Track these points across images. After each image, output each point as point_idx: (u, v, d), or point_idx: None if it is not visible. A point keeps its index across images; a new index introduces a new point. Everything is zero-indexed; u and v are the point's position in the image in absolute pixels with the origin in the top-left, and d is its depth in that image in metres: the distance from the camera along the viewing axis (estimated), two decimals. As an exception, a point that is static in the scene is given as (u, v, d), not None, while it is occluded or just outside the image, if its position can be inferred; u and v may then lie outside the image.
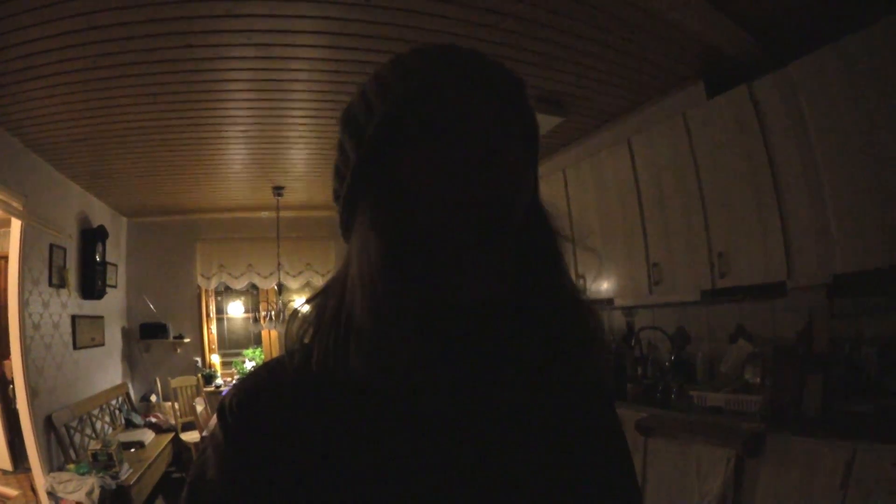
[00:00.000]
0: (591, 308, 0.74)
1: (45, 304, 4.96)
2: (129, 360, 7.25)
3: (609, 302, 4.60)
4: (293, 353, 0.68)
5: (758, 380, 3.19)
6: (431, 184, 0.61)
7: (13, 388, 4.70)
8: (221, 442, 0.63)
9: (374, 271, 0.61)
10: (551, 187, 4.94)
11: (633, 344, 4.41)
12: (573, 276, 0.74)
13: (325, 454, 0.60)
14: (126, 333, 7.26)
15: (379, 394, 0.60)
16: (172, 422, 6.55)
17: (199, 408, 6.28)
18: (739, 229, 3.34)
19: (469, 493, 0.61)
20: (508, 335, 0.66)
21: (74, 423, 4.99)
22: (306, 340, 0.69)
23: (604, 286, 4.47)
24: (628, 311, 4.68)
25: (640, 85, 4.05)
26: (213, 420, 0.68)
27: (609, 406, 0.82)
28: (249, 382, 0.68)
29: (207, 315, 8.11)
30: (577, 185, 4.75)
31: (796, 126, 2.97)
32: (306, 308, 0.71)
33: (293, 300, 8.01)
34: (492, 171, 0.60)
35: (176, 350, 7.56)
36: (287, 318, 0.74)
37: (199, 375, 7.27)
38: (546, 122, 4.41)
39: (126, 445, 5.30)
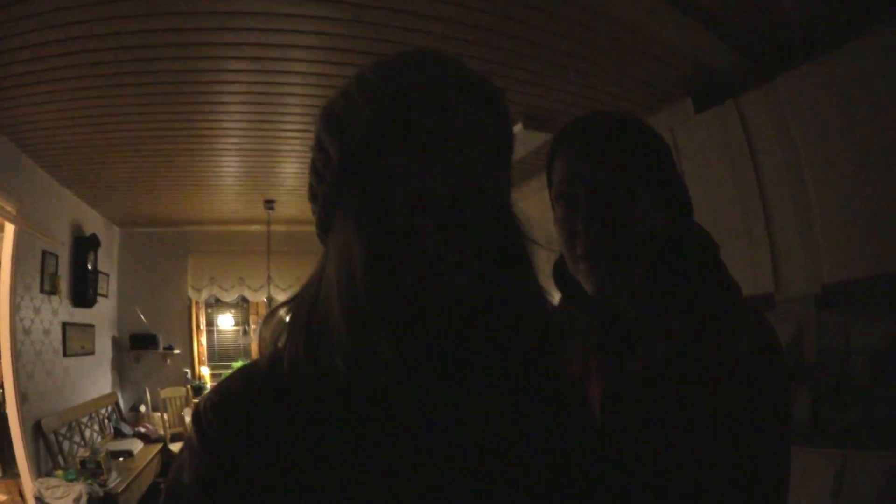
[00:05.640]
0: (550, 308, 0.76)
1: (37, 310, 4.94)
2: (119, 369, 7.18)
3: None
4: (267, 356, 0.70)
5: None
6: (415, 184, 0.62)
7: (2, 393, 4.67)
8: (196, 445, 0.64)
9: (356, 273, 0.62)
10: (543, 204, 4.96)
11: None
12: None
13: (299, 456, 0.61)
14: (116, 343, 7.20)
15: (352, 395, 0.61)
16: (161, 432, 6.51)
17: (188, 419, 6.24)
18: (727, 243, 3.30)
19: (445, 493, 0.62)
20: (480, 333, 0.67)
21: (63, 430, 4.95)
22: (279, 344, 0.70)
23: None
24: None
25: (628, 102, 4.08)
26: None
27: (581, 400, 0.84)
28: (224, 387, 0.68)
29: (198, 327, 8.08)
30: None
31: (783, 139, 3.01)
32: (282, 311, 0.72)
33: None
34: (471, 174, 0.62)
35: (166, 361, 7.51)
36: (263, 321, 0.74)
37: (189, 387, 7.24)
38: (534, 139, 4.43)
39: (114, 454, 5.24)
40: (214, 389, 0.69)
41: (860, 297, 2.90)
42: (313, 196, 0.72)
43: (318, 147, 0.70)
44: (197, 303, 8.07)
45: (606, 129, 1.02)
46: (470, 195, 0.62)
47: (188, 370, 7.68)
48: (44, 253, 5.10)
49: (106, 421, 6.17)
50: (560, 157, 1.05)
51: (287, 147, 4.81)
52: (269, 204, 6.57)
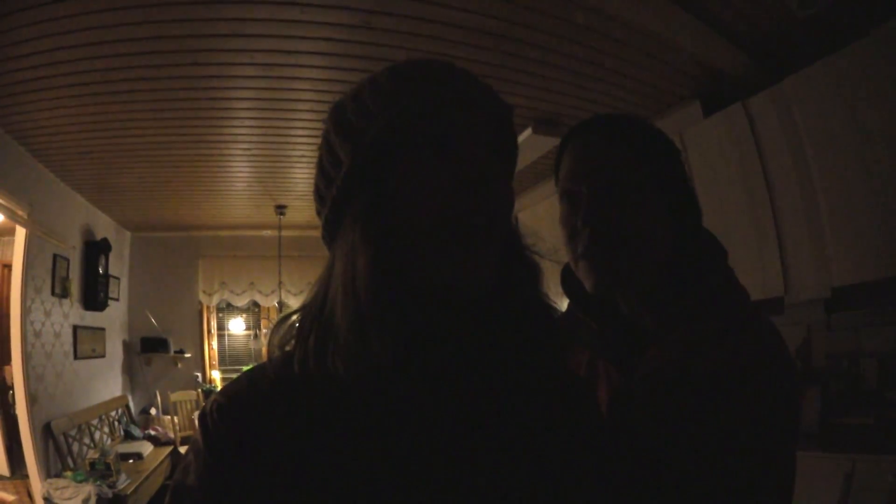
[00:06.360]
0: (555, 314, 0.76)
1: (48, 313, 4.98)
2: (130, 372, 7.23)
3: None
4: (274, 360, 0.70)
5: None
6: (426, 196, 0.62)
7: (13, 394, 4.70)
8: (201, 447, 0.64)
9: (359, 280, 0.62)
10: (552, 211, 4.95)
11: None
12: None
13: (304, 456, 0.61)
14: (127, 346, 7.25)
15: (357, 396, 0.62)
16: (171, 435, 6.54)
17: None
18: (736, 246, 3.31)
19: (447, 490, 0.61)
20: (484, 337, 0.68)
21: (73, 432, 4.97)
22: (287, 348, 0.70)
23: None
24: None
25: (638, 106, 4.07)
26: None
27: (587, 397, 0.83)
28: (230, 388, 0.69)
29: (209, 331, 8.12)
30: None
31: (791, 141, 2.99)
32: (293, 318, 0.72)
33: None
34: (484, 189, 0.63)
35: (176, 365, 7.53)
36: (273, 326, 0.75)
37: (199, 390, 7.27)
38: (544, 144, 4.43)
39: (124, 456, 5.27)
40: (220, 391, 0.69)
41: (870, 300, 2.88)
42: (321, 198, 0.72)
43: (328, 147, 0.71)
44: (208, 307, 8.10)
45: (611, 130, 1.01)
46: (478, 206, 0.62)
47: (199, 374, 7.72)
48: (55, 256, 5.14)
49: (116, 423, 6.21)
50: (566, 155, 1.05)
51: (297, 152, 4.84)
52: (280, 209, 6.60)
